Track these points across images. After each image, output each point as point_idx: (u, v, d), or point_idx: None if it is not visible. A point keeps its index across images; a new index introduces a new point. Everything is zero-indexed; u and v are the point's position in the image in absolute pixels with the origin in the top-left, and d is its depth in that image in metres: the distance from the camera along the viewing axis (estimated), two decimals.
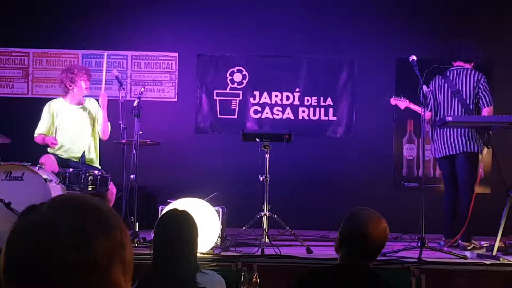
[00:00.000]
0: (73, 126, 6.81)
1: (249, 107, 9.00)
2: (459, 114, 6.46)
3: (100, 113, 6.90)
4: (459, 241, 6.35)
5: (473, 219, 8.12)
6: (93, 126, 6.91)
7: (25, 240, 1.16)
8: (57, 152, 6.74)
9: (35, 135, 6.83)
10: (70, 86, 6.78)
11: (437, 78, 6.79)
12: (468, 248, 6.19)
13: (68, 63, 8.91)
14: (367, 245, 2.95)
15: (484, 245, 6.22)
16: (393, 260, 5.34)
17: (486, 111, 6.47)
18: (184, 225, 3.33)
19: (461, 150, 6.44)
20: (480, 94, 6.52)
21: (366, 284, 2.95)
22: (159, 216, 3.46)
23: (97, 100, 6.95)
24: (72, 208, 1.21)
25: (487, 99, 6.51)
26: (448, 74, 6.70)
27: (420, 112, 6.47)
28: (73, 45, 8.97)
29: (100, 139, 6.99)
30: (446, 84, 6.67)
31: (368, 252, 2.99)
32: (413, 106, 6.99)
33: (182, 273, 3.21)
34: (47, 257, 1.13)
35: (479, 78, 6.57)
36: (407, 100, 7.08)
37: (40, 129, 6.82)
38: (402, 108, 7.15)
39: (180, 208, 3.49)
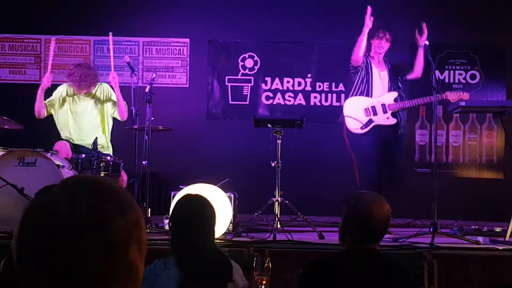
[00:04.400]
0: (82, 113, 6.78)
1: (260, 93, 8.98)
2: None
3: (114, 96, 6.85)
4: None
5: (486, 204, 8.13)
6: (103, 112, 6.87)
7: (40, 223, 1.15)
8: (70, 139, 6.76)
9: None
10: (81, 84, 6.73)
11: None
12: None
13: (80, 49, 8.93)
14: (374, 226, 2.96)
15: (497, 230, 6.18)
16: (405, 245, 5.34)
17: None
18: (202, 209, 3.29)
19: None
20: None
21: (378, 267, 2.95)
22: (175, 201, 3.42)
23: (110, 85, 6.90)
24: (87, 188, 1.20)
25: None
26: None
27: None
28: (85, 31, 8.97)
29: (113, 124, 6.97)
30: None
31: (375, 234, 3.00)
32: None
33: (202, 255, 3.19)
34: (65, 239, 1.12)
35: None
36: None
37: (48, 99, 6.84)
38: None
39: (193, 193, 3.47)
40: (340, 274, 2.94)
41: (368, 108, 6.60)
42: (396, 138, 6.68)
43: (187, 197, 3.44)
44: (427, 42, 6.13)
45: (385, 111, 6.57)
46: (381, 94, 6.64)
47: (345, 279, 2.92)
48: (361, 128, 6.64)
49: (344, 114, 6.78)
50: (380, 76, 6.66)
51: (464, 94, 6.60)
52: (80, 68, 6.71)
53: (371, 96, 6.65)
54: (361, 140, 6.76)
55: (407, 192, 7.48)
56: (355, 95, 6.76)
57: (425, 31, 6.49)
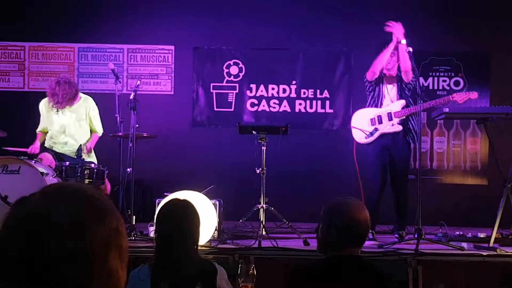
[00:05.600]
0: (61, 126, 6.77)
1: (245, 100, 8.98)
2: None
3: (96, 114, 6.88)
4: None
5: (470, 210, 8.18)
6: (86, 123, 6.85)
7: (19, 231, 1.14)
8: (53, 148, 6.73)
9: (36, 131, 6.93)
10: (63, 103, 6.76)
11: None
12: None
13: (64, 56, 8.89)
14: (359, 231, 2.99)
15: (481, 236, 6.21)
16: (390, 251, 5.35)
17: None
18: (187, 214, 3.29)
19: None
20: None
21: (361, 273, 2.96)
22: (160, 206, 3.42)
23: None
24: (66, 196, 1.19)
25: None
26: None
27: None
28: (69, 38, 8.94)
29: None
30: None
31: (360, 238, 3.02)
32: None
33: (185, 263, 3.19)
34: (43, 246, 1.12)
35: None
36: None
37: (39, 126, 6.88)
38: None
39: (181, 198, 3.47)
40: (326, 281, 2.94)
41: (374, 118, 6.59)
42: (402, 145, 6.59)
43: (173, 201, 3.44)
44: (410, 49, 6.14)
45: (390, 119, 6.53)
46: (389, 104, 6.61)
47: (330, 285, 2.92)
48: (366, 137, 6.62)
49: (352, 125, 6.76)
50: (388, 90, 6.63)
51: (472, 93, 6.57)
52: (61, 87, 6.69)
53: (380, 107, 6.63)
54: (365, 150, 6.72)
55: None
56: (368, 107, 6.73)
57: (392, 27, 6.48)
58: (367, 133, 6.60)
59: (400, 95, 6.60)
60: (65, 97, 6.67)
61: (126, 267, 1.23)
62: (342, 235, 2.99)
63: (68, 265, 1.12)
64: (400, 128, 6.50)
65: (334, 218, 3.02)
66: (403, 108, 6.53)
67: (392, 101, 6.59)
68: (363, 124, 6.64)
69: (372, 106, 6.66)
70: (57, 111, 6.73)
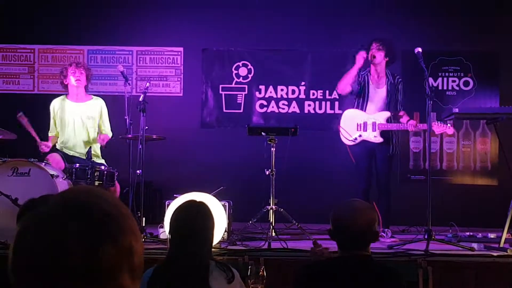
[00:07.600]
0: (72, 124, 6.79)
1: (254, 101, 8.99)
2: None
3: (105, 116, 6.91)
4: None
5: (480, 211, 8.16)
6: (95, 125, 6.87)
7: (31, 240, 1.13)
8: (63, 149, 6.75)
9: (49, 134, 6.95)
10: (65, 81, 6.82)
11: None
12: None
13: (73, 59, 8.92)
14: (352, 234, 2.99)
15: (491, 236, 6.19)
16: (400, 252, 5.35)
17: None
18: (202, 216, 3.26)
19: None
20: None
21: (370, 273, 2.96)
22: (175, 207, 3.39)
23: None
24: (79, 211, 1.16)
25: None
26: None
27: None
28: (79, 41, 8.96)
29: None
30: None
31: (355, 242, 3.02)
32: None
33: (196, 264, 3.15)
34: (53, 259, 1.11)
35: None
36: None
37: (51, 131, 6.90)
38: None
39: (197, 200, 3.44)
40: (333, 280, 2.95)
41: (360, 124, 6.69)
42: (383, 156, 6.70)
43: (190, 203, 3.41)
44: (420, 49, 6.12)
45: (374, 129, 6.65)
46: (375, 112, 6.69)
47: (337, 285, 2.93)
48: (351, 141, 6.72)
49: (340, 125, 6.83)
50: (376, 94, 6.72)
51: (449, 128, 6.58)
52: (64, 64, 7.04)
53: (365, 111, 6.70)
54: (351, 151, 6.82)
55: (401, 199, 7.48)
56: (354, 107, 6.83)
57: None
58: (352, 137, 6.70)
59: (390, 98, 6.68)
60: (71, 64, 6.84)
61: (139, 282, 1.22)
62: (339, 238, 3.04)
63: (74, 283, 1.11)
64: (381, 140, 6.68)
65: (331, 221, 3.08)
66: (386, 120, 6.63)
67: (378, 106, 6.70)
68: (349, 127, 6.78)
69: (358, 108, 6.77)
70: (66, 111, 6.76)
